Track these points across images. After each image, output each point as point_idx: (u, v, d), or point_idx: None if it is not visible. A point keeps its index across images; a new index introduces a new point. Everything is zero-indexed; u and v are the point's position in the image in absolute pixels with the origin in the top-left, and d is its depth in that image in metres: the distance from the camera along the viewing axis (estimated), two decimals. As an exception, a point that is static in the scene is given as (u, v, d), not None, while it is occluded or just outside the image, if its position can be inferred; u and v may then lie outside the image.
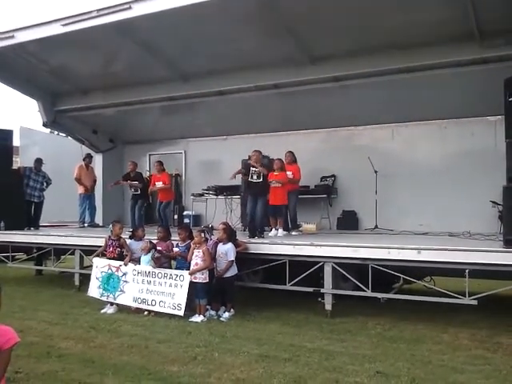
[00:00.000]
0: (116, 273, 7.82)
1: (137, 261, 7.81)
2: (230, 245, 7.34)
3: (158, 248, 7.75)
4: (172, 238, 8.09)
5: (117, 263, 7.88)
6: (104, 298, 7.87)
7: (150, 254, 7.67)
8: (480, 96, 9.00)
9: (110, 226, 8.50)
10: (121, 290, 7.73)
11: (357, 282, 7.16)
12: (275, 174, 8.85)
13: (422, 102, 9.82)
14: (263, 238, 8.41)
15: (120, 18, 8.37)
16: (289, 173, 9.29)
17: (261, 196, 8.64)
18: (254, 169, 8.62)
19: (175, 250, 7.76)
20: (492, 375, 4.77)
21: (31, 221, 11.46)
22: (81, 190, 12.41)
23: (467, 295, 6.38)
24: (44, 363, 5.18)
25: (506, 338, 6.13)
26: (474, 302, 6.36)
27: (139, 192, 10.78)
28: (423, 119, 10.61)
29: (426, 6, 7.66)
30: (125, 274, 7.76)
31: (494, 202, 9.05)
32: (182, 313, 7.07)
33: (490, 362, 5.17)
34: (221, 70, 10.24)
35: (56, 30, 8.95)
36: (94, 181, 12.82)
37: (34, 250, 11.09)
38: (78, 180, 12.36)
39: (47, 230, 11.44)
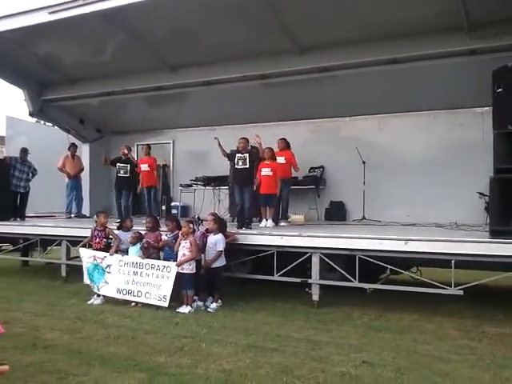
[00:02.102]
0: (100, 264, 7.77)
1: (124, 252, 7.77)
2: (220, 235, 7.33)
3: (146, 239, 7.71)
4: (160, 229, 8.06)
5: (102, 254, 7.82)
6: (93, 288, 7.84)
7: (138, 245, 7.63)
8: (468, 87, 9.02)
9: (95, 216, 8.43)
10: (104, 282, 7.69)
11: (344, 273, 7.19)
12: (266, 163, 8.81)
13: (411, 93, 9.84)
14: (251, 228, 8.40)
15: (107, 7, 8.27)
16: (281, 158, 9.26)
17: (247, 185, 8.58)
18: (239, 154, 8.58)
19: (163, 238, 7.73)
20: (476, 364, 4.82)
21: (17, 211, 11.33)
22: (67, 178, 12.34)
23: (453, 285, 6.45)
24: (30, 354, 5.14)
25: (490, 327, 6.21)
26: (460, 292, 6.42)
27: (128, 175, 10.55)
28: (411, 110, 10.60)
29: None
30: (109, 266, 7.71)
31: (480, 193, 9.10)
32: (166, 304, 7.06)
33: (475, 352, 5.23)
34: (209, 60, 10.18)
35: (42, 17, 8.82)
36: (82, 169, 12.73)
37: (20, 241, 10.98)
38: (61, 169, 12.29)
39: (33, 220, 11.35)
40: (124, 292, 7.51)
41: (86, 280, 7.94)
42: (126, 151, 10.68)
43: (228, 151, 9.10)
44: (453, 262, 6.32)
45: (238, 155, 8.60)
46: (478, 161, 8.92)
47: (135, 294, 7.40)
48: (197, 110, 12.11)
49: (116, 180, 10.77)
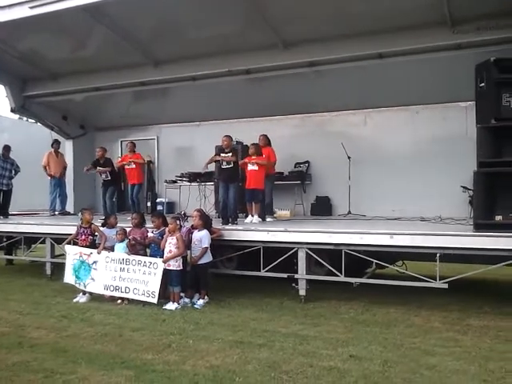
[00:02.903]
0: (87, 260, 7.71)
1: (110, 249, 7.71)
2: (204, 232, 7.30)
3: (133, 236, 7.67)
4: (146, 226, 8.01)
5: (88, 251, 7.76)
6: (78, 285, 7.76)
7: (125, 242, 7.58)
8: (452, 82, 9.09)
9: (79, 214, 8.35)
10: (91, 278, 7.63)
11: (330, 268, 7.22)
12: (253, 158, 8.78)
13: (395, 88, 9.87)
14: (237, 224, 8.38)
15: (89, 1, 8.12)
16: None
17: (232, 182, 8.57)
18: (223, 154, 8.56)
19: (149, 235, 7.69)
20: (462, 357, 4.87)
21: (0, 209, 11.21)
22: (53, 173, 12.20)
23: (438, 279, 6.50)
24: (15, 353, 5.10)
25: (475, 320, 6.29)
26: (445, 286, 6.48)
27: (109, 178, 10.49)
28: (395, 105, 10.69)
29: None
30: (95, 262, 7.65)
31: (464, 187, 9.21)
32: (155, 300, 7.03)
33: (461, 344, 5.28)
34: (193, 55, 10.09)
35: (23, 12, 8.66)
36: (65, 167, 12.61)
37: (4, 239, 10.85)
38: (45, 168, 12.15)
39: (17, 218, 11.20)
40: (111, 288, 7.45)
41: (67, 279, 7.86)
42: (101, 153, 10.57)
43: (213, 147, 9.06)
44: (438, 255, 6.38)
45: (222, 155, 8.57)
46: (461, 155, 8.97)
47: (123, 290, 7.35)
48: (181, 105, 12.05)
49: (102, 182, 10.73)
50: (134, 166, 10.74)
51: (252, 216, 8.79)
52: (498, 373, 4.43)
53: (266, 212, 9.35)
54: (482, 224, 6.31)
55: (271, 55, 9.59)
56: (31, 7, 8.57)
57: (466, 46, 8.34)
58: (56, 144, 12.46)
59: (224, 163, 8.55)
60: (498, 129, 6.44)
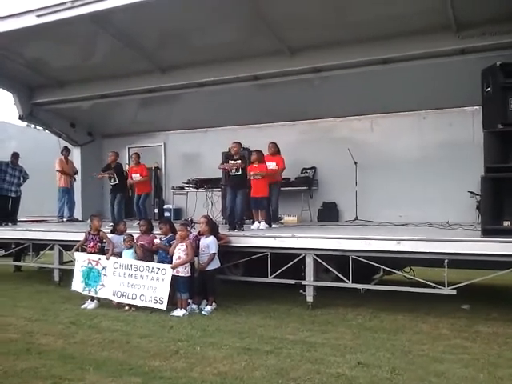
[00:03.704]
0: (96, 267, 7.74)
1: (118, 255, 7.74)
2: (212, 238, 7.31)
3: (141, 242, 7.70)
4: (154, 232, 8.04)
5: (96, 257, 7.80)
6: (86, 292, 7.78)
7: (132, 248, 7.61)
8: (458, 87, 9.06)
9: (89, 220, 8.40)
10: (101, 284, 7.66)
11: (338, 274, 7.20)
12: (254, 166, 8.81)
13: (401, 93, 9.85)
14: (243, 230, 8.39)
15: (96, 9, 8.21)
16: (272, 163, 9.24)
17: (240, 188, 8.58)
18: (232, 161, 8.58)
19: (156, 241, 7.71)
20: (471, 364, 4.84)
21: (8, 216, 11.28)
22: (61, 183, 12.24)
23: (446, 285, 6.47)
24: (23, 360, 5.12)
25: (484, 327, 6.24)
26: (453, 292, 6.44)
27: (117, 182, 10.52)
28: (402, 110, 10.65)
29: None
30: (104, 268, 7.68)
31: (471, 193, 9.16)
32: (164, 306, 7.04)
33: (469, 351, 5.25)
34: (200, 61, 10.14)
35: (30, 21, 8.75)
36: (76, 172, 12.69)
37: (13, 246, 10.90)
38: (62, 171, 12.18)
39: (25, 225, 11.26)
40: (119, 294, 7.48)
41: (75, 287, 7.89)
42: (113, 158, 10.66)
43: (220, 154, 9.07)
44: (446, 261, 6.35)
45: (230, 162, 8.59)
46: (468, 160, 8.97)
47: (130, 296, 7.37)
48: (188, 112, 12.08)
49: (110, 188, 10.77)
50: (139, 178, 10.72)
51: (258, 222, 8.81)
52: (506, 380, 4.40)
53: (272, 218, 9.36)
54: (490, 229, 6.27)
55: (278, 61, 9.63)
56: (38, 15, 8.66)
57: (472, 50, 8.36)
58: (66, 151, 12.53)
59: (233, 170, 8.56)
60: (504, 134, 6.43)
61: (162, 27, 9.10)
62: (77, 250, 8.14)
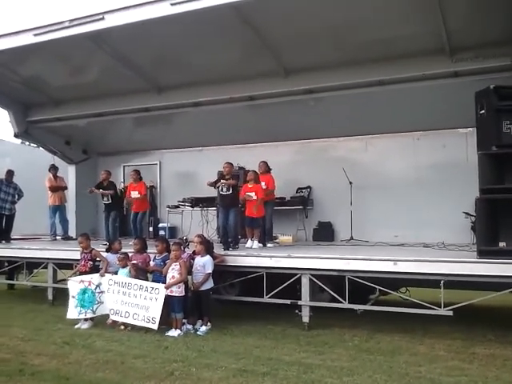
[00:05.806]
0: (89, 286, 7.66)
1: (113, 274, 7.68)
2: (208, 257, 7.29)
3: (134, 261, 7.66)
4: (148, 251, 8.00)
5: (88, 277, 7.72)
6: (82, 316, 7.61)
7: (127, 267, 7.57)
8: (452, 109, 9.16)
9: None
10: (98, 302, 7.58)
11: (334, 294, 7.18)
12: (249, 186, 8.81)
13: (395, 115, 9.94)
14: (238, 249, 8.37)
15: (93, 29, 8.23)
16: (262, 183, 9.26)
17: (232, 207, 8.59)
18: (223, 181, 8.60)
19: (151, 263, 7.67)
20: (468, 386, 4.82)
21: (2, 234, 11.21)
22: (51, 200, 12.20)
23: (442, 306, 6.46)
24: (16, 381, 5.06)
25: (481, 348, 6.22)
26: (450, 313, 6.43)
27: (111, 201, 10.43)
28: (396, 131, 10.72)
29: (398, 21, 7.83)
30: (98, 286, 7.62)
31: (466, 213, 9.22)
32: (155, 326, 6.98)
33: (466, 373, 5.22)
34: (196, 81, 10.22)
35: (27, 39, 8.77)
36: (65, 187, 12.66)
37: (6, 264, 10.84)
38: (52, 188, 12.15)
39: (19, 243, 11.18)
40: (112, 312, 7.44)
41: (70, 314, 7.68)
42: (105, 176, 10.57)
43: (215, 173, 9.09)
44: (442, 282, 6.36)
45: (221, 181, 8.61)
46: (462, 181, 9.00)
47: (123, 314, 7.32)
48: (183, 131, 12.13)
49: (104, 206, 10.71)
50: (138, 195, 10.64)
51: (252, 241, 8.77)
52: (505, 402, 4.39)
53: (266, 237, 9.34)
54: (486, 251, 6.29)
55: (273, 82, 9.70)
56: (35, 34, 8.69)
57: (465, 73, 8.45)
58: (53, 169, 12.45)
59: (224, 189, 8.58)
60: (499, 156, 6.49)
61: (159, 47, 9.18)
62: (75, 274, 8.06)
